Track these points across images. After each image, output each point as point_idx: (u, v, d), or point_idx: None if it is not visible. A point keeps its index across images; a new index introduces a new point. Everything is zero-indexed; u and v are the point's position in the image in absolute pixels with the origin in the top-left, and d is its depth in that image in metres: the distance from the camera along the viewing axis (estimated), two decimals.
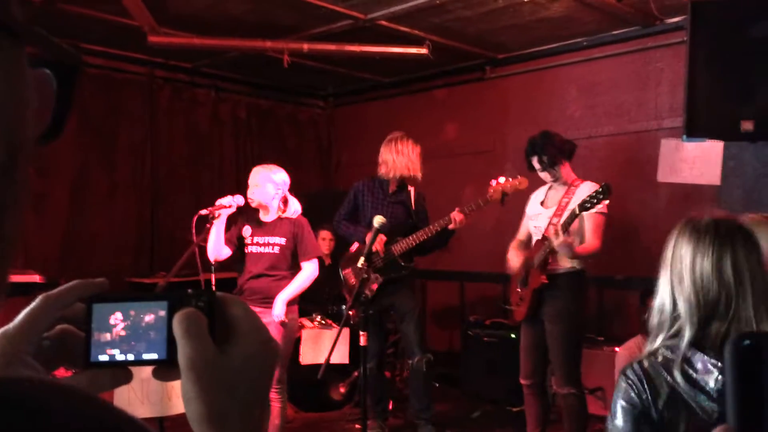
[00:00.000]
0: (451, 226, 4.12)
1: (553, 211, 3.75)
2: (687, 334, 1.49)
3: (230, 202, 3.73)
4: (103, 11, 4.67)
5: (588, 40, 5.42)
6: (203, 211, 3.69)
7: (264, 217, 3.87)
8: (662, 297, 1.57)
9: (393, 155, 4.33)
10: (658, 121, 5.15)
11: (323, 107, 7.54)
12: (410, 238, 4.21)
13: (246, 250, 3.87)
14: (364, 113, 7.15)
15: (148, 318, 0.61)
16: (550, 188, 3.91)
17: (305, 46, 5.18)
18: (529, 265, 3.79)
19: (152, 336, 0.60)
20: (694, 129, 3.26)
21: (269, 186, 3.79)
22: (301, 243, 3.81)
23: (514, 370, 3.96)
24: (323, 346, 4.56)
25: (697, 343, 1.47)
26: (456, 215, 4.09)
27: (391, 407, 4.76)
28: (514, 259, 3.88)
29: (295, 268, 3.82)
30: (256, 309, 3.62)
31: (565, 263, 3.67)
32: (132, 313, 0.61)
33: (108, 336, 0.61)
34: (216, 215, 3.69)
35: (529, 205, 3.99)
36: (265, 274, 3.78)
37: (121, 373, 0.62)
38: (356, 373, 4.77)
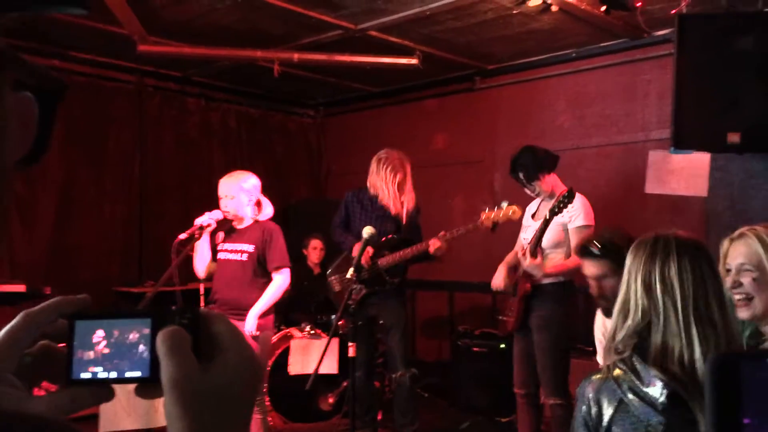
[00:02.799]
0: (430, 251, 4.06)
1: (539, 223, 3.75)
2: (630, 348, 1.50)
3: (209, 221, 3.65)
4: (93, 20, 4.65)
5: (577, 51, 5.46)
6: (182, 235, 3.60)
7: (238, 224, 3.79)
8: (615, 313, 1.59)
9: (377, 180, 4.27)
10: (646, 132, 5.18)
11: (313, 117, 7.54)
12: (396, 254, 4.16)
13: (217, 257, 3.79)
14: (354, 123, 7.16)
15: (132, 336, 0.60)
16: (542, 201, 3.90)
17: (295, 56, 5.19)
18: (517, 275, 3.79)
19: (135, 354, 0.60)
20: (682, 141, 3.29)
21: (242, 196, 3.71)
22: (269, 251, 3.68)
23: (504, 380, 3.95)
24: (312, 356, 4.54)
25: (643, 356, 1.47)
26: (434, 242, 4.02)
27: (380, 417, 4.74)
28: (498, 277, 3.86)
29: (265, 276, 3.71)
30: None
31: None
32: (115, 331, 0.60)
33: (91, 354, 0.60)
34: (197, 236, 3.62)
35: (524, 217, 3.98)
36: (233, 284, 3.67)
37: (103, 391, 0.61)
38: (345, 384, 4.75)
